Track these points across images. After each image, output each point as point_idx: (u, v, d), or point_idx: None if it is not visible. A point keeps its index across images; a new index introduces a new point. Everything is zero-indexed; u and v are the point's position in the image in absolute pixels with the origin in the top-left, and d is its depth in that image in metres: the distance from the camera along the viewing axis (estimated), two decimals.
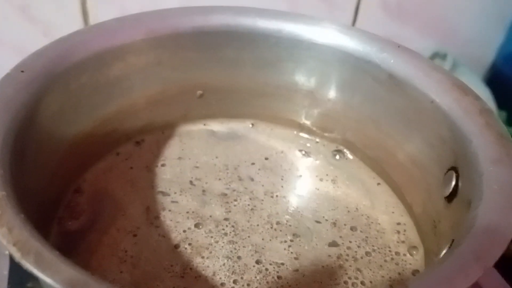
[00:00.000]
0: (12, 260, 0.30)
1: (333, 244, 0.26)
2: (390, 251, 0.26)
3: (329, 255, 0.25)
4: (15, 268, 0.29)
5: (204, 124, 0.33)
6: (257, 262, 0.25)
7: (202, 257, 0.25)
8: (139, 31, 0.28)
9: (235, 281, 0.24)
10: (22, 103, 0.22)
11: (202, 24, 0.30)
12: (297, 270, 0.25)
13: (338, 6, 0.51)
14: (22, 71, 0.22)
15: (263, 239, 0.26)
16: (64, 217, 0.26)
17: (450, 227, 0.22)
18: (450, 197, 0.23)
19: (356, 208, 0.28)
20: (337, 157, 0.32)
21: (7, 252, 0.30)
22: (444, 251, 0.21)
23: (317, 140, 0.33)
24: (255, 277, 0.24)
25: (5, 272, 0.29)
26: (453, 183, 0.23)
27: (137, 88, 0.30)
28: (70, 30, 0.44)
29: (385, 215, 0.28)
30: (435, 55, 0.58)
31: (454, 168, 0.24)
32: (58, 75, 0.24)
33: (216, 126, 0.33)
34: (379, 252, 0.26)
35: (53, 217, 0.26)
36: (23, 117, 0.21)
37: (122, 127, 0.30)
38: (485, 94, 0.55)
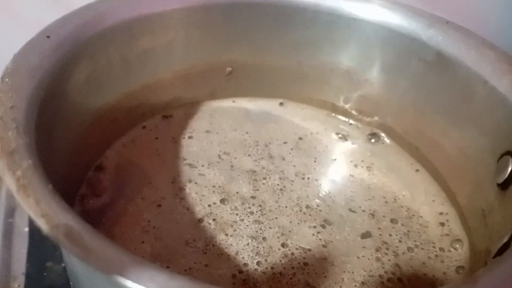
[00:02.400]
0: (31, 238, 0.29)
1: (369, 235, 0.24)
2: (434, 247, 0.24)
3: (364, 247, 0.24)
4: (34, 247, 0.28)
5: (234, 101, 0.32)
6: (283, 245, 0.24)
7: (226, 234, 0.24)
8: (169, 0, 0.27)
9: (258, 263, 0.23)
10: (46, 70, 0.20)
11: None
12: (325, 259, 0.23)
13: None
14: (48, 37, 0.21)
15: (290, 222, 0.25)
16: (87, 194, 0.25)
17: (506, 215, 0.21)
18: (505, 184, 0.21)
19: (394, 199, 0.27)
20: (373, 140, 0.30)
21: (26, 230, 0.30)
22: (505, 240, 0.19)
23: (352, 122, 0.31)
24: (280, 260, 0.23)
25: (24, 250, 0.28)
26: (510, 169, 0.21)
27: (164, 63, 0.29)
28: None
29: (426, 206, 0.26)
30: None
31: (510, 153, 0.22)
32: (84, 43, 0.23)
33: (246, 103, 0.32)
34: (422, 248, 0.24)
35: (75, 195, 0.24)
36: (48, 85, 0.20)
37: (148, 102, 0.29)
38: None
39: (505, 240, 0.19)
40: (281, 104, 0.32)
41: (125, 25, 0.25)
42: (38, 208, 0.13)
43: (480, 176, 0.24)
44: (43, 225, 0.13)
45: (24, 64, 0.19)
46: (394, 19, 0.27)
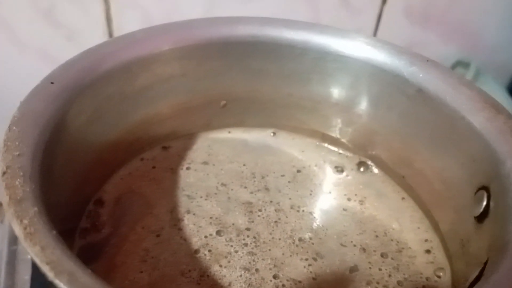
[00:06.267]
0: (34, 265, 0.30)
1: (359, 269, 0.25)
2: (421, 277, 0.25)
3: (353, 281, 0.25)
4: (37, 274, 0.29)
5: (229, 132, 0.33)
6: (275, 277, 0.25)
7: (220, 266, 0.25)
8: (166, 41, 0.28)
9: None
10: (50, 116, 0.22)
11: (228, 34, 0.30)
12: None
13: (360, 12, 0.51)
14: (52, 83, 0.22)
15: (283, 254, 0.26)
16: (87, 228, 0.26)
17: (481, 247, 0.22)
18: (481, 217, 0.23)
19: (385, 233, 0.28)
20: (361, 169, 0.31)
21: (29, 257, 0.31)
22: (476, 272, 0.20)
23: (341, 151, 0.33)
24: None
25: (27, 277, 0.29)
26: (484, 203, 0.23)
27: (162, 98, 0.30)
28: (93, 35, 0.44)
29: (412, 233, 0.28)
30: (457, 63, 0.57)
31: (485, 188, 0.23)
32: (86, 86, 0.24)
33: (241, 134, 0.33)
34: (410, 281, 0.25)
35: (76, 229, 0.26)
36: (52, 130, 0.21)
37: (146, 136, 0.30)
38: (509, 105, 0.54)
39: (476, 274, 0.20)
40: (273, 134, 0.34)
41: (124, 66, 0.27)
42: (43, 256, 0.15)
43: (460, 206, 0.25)
44: (48, 272, 0.14)
45: (30, 111, 0.21)
46: (378, 56, 0.28)
